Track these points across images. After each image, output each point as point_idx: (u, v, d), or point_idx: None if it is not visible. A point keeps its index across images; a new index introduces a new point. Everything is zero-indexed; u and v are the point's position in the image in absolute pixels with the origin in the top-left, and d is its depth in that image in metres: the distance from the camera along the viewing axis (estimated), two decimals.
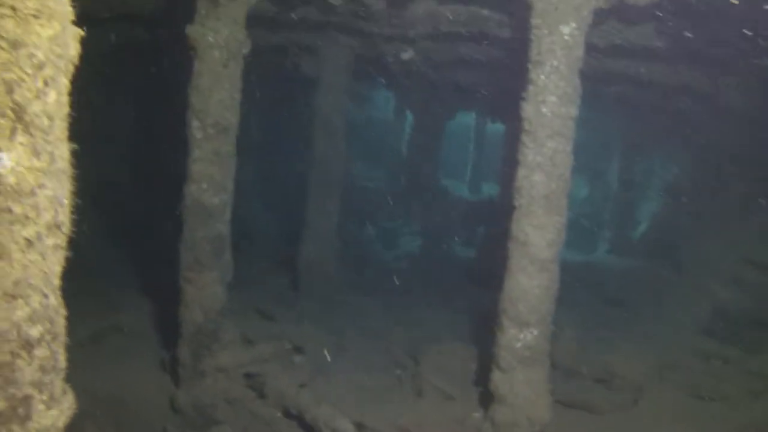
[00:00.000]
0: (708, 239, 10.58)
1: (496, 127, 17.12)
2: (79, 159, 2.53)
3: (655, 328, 9.74)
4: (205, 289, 6.44)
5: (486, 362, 6.57)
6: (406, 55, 9.62)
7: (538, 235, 5.73)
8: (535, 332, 5.85)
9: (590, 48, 8.35)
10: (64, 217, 2.49)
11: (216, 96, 6.24)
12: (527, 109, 5.72)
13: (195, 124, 6.26)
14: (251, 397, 6.79)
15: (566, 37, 5.63)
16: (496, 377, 6.07)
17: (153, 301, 8.71)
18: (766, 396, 8.15)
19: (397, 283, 11.78)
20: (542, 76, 5.68)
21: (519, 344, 5.84)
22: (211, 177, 6.32)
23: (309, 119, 10.15)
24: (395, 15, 7.89)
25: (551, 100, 5.65)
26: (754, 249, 9.63)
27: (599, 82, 10.42)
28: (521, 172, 5.76)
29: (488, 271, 11.74)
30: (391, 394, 7.47)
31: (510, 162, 6.22)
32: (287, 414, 6.66)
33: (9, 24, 2.05)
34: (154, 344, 7.87)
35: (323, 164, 9.90)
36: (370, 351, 8.43)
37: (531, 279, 5.77)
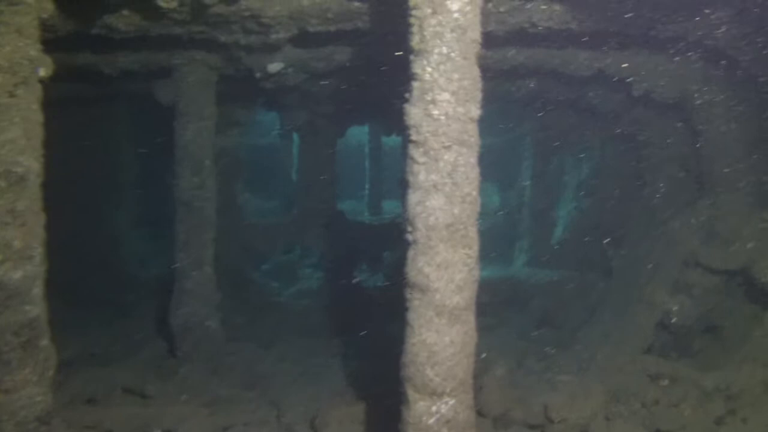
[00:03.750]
0: (643, 241, 9.42)
1: (393, 140, 15.84)
2: None
3: (593, 349, 8.51)
4: (14, 393, 4.82)
5: None
6: (275, 66, 8.16)
7: (442, 277, 4.34)
8: (452, 402, 4.44)
9: (488, 37, 7.16)
10: None
11: (1, 136, 4.67)
12: (413, 114, 4.35)
13: None
14: None
15: (456, 15, 4.27)
16: None
17: None
18: (728, 422, 6.99)
19: (296, 325, 10.35)
20: (429, 69, 4.31)
21: (432, 420, 4.42)
22: (7, 245, 4.73)
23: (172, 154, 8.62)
24: (248, 14, 6.41)
25: (443, 99, 4.29)
26: (698, 249, 8.48)
27: (502, 78, 9.20)
28: (413, 197, 4.37)
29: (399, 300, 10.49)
30: None
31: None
32: None
33: None
34: None
35: (189, 205, 8.35)
36: (259, 424, 6.93)
37: (440, 335, 4.38)
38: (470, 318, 4.51)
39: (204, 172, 8.40)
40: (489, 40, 7.21)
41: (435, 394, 4.40)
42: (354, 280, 11.33)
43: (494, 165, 15.00)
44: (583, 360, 8.10)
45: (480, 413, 6.83)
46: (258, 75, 8.42)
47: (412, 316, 4.44)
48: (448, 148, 4.30)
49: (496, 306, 11.02)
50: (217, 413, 7.11)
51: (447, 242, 4.32)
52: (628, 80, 8.46)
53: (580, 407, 6.74)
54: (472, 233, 4.42)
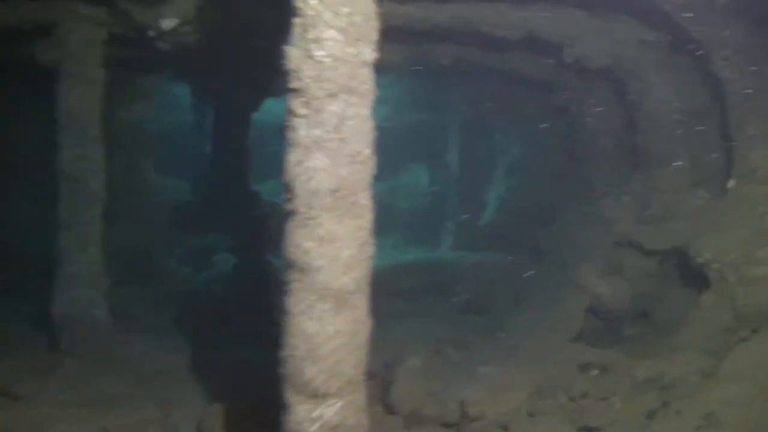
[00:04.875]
0: (573, 221, 8.81)
1: None
2: None
3: (519, 337, 7.88)
4: None
5: None
6: (168, 23, 7.29)
7: (326, 253, 3.57)
8: (339, 405, 3.69)
9: None
10: None
11: None
12: (292, 56, 3.57)
13: None
14: None
15: None
16: None
17: None
18: (661, 415, 6.39)
19: (201, 314, 9.50)
20: (312, 1, 3.52)
21: (314, 427, 3.66)
22: None
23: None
24: None
25: (329, 37, 3.52)
26: (632, 228, 7.87)
27: (425, 41, 8.47)
28: (292, 157, 3.59)
29: None
30: None
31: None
32: None
33: None
34: None
35: (72, 179, 7.45)
36: (141, 425, 6.10)
37: (323, 324, 3.61)
38: (361, 303, 3.74)
39: (89, 142, 7.50)
40: None
41: (317, 396, 3.63)
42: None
43: (422, 143, 14.37)
44: (507, 349, 7.45)
45: (390, 410, 6.15)
46: (152, 33, 7.53)
47: (291, 302, 3.67)
48: (333, 96, 3.53)
49: (420, 291, 10.39)
50: (96, 414, 6.26)
51: (332, 211, 3.56)
52: (560, 45, 7.79)
53: (500, 402, 6.08)
54: (364, 200, 3.66)
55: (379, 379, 6.73)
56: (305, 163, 3.54)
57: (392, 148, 15.91)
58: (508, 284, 9.74)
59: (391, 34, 7.93)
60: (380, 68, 9.09)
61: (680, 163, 7.68)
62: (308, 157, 3.54)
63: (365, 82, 3.63)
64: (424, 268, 11.14)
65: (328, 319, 3.60)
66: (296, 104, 3.58)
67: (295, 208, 3.59)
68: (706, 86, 7.39)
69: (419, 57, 8.92)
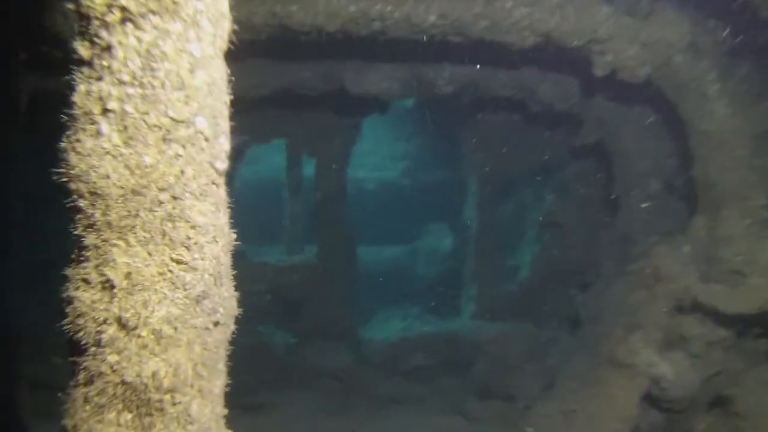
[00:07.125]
0: (618, 281, 6.94)
1: None
2: None
3: None
4: None
5: None
6: None
7: (123, 315, 1.83)
8: None
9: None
10: None
11: None
12: None
13: None
14: None
15: None
16: None
17: None
18: None
19: None
20: None
21: None
22: None
23: None
24: None
25: None
26: (696, 286, 5.96)
27: (417, 59, 6.88)
28: (66, 135, 1.88)
29: None
30: None
31: None
32: None
33: None
34: None
35: None
36: None
37: None
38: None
39: None
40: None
41: None
42: None
43: (444, 201, 12.71)
44: None
45: None
46: None
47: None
48: (135, 20, 1.87)
49: (433, 369, 8.59)
50: None
51: (130, 232, 1.83)
52: (586, 52, 6.05)
53: None
54: (199, 216, 1.92)
55: None
56: (82, 142, 1.84)
57: (411, 208, 14.42)
58: (538, 362, 7.86)
59: (374, 48, 6.38)
60: (376, 100, 7.27)
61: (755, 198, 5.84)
62: (86, 131, 1.83)
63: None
64: (438, 341, 9.32)
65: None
66: (78, 43, 1.90)
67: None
68: None
69: (418, 83, 7.26)
